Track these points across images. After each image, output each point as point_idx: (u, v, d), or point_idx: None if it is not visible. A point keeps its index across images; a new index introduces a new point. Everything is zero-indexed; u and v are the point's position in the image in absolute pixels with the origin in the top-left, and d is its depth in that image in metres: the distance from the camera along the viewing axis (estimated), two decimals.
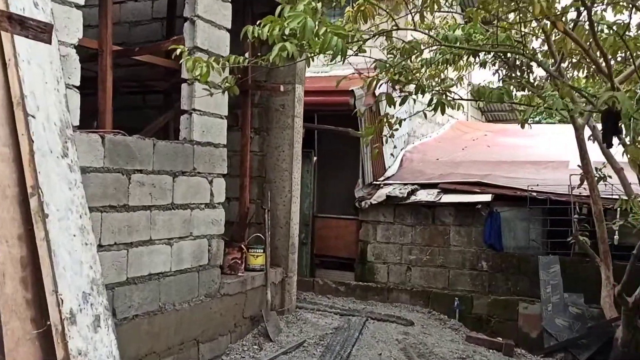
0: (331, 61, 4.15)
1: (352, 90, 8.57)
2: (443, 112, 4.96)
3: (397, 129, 5.67)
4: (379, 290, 8.45)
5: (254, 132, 7.16)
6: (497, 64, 7.41)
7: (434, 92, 4.94)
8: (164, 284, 5.06)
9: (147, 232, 4.89)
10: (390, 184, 9.05)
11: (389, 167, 9.81)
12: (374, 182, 9.19)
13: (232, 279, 6.08)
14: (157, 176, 4.99)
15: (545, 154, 10.04)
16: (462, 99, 5.84)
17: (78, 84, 4.23)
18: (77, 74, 4.22)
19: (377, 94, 9.45)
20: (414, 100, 5.35)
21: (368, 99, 9.02)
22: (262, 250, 6.59)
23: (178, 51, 3.99)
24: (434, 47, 4.62)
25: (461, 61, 6.20)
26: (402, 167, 10.00)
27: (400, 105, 5.08)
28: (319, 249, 9.30)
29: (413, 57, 5.03)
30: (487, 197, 8.07)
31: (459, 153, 10.79)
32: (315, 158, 9.01)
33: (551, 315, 6.99)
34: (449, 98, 5.10)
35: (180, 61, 3.99)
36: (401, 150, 10.54)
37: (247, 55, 4.45)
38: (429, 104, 5.05)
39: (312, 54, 3.91)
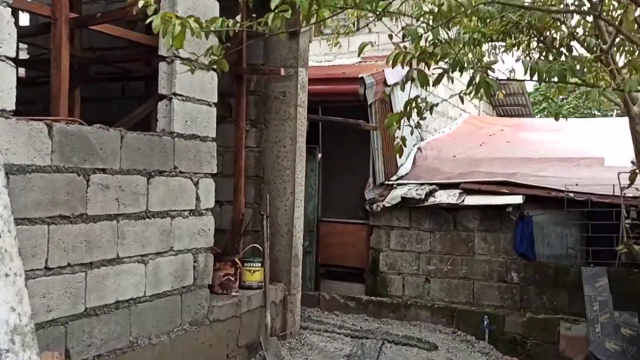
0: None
1: (362, 78, 7.53)
2: (488, 95, 3.94)
3: (424, 118, 4.65)
4: (395, 307, 7.40)
5: (250, 124, 6.11)
6: (531, 45, 6.39)
7: (475, 68, 3.91)
8: (136, 313, 4.02)
9: (113, 248, 3.84)
10: (405, 184, 8.02)
11: (401, 165, 8.77)
12: (386, 182, 8.15)
13: (224, 301, 5.04)
14: (126, 177, 3.94)
15: (576, 150, 9.01)
16: (511, 80, 4.79)
17: (13, 55, 3.18)
18: (11, 42, 3.16)
19: (389, 82, 8.43)
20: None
21: (379, 87, 7.99)
22: (259, 264, 5.55)
23: (140, 3, 2.91)
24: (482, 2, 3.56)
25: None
26: (415, 165, 8.96)
27: (434, 85, 4.05)
28: (324, 257, 8.26)
29: (450, 24, 3.98)
30: (517, 199, 7.03)
31: (477, 149, 9.76)
32: (319, 155, 7.96)
33: (600, 337, 5.95)
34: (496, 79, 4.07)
35: (149, 20, 2.93)
36: (413, 146, 9.51)
37: (238, 19, 3.39)
38: (468, 84, 4.02)
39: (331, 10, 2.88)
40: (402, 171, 8.56)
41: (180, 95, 4.42)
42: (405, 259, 7.67)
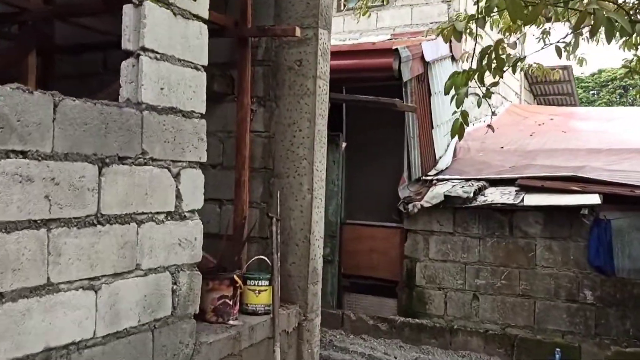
0: None
1: (397, 50, 6.18)
2: (611, 37, 2.59)
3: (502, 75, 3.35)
4: (438, 332, 6.04)
5: (257, 102, 4.81)
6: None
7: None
8: None
9: (40, 271, 2.56)
10: (446, 180, 6.66)
11: (440, 157, 7.41)
12: (424, 178, 6.79)
13: (218, 334, 3.75)
14: (63, 164, 2.66)
15: None
16: None
17: None
18: None
19: (427, 58, 7.07)
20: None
21: (416, 64, 6.63)
22: (267, 282, 4.25)
23: None
24: None
25: None
26: (456, 157, 7.60)
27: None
28: (348, 267, 6.95)
29: None
30: (592, 199, 5.63)
31: (527, 140, 8.35)
32: (344, 144, 6.64)
33: None
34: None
35: None
36: None
37: None
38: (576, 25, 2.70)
39: None
40: (441, 165, 7.20)
41: (153, 51, 3.13)
42: (447, 271, 6.31)
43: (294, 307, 4.57)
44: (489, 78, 3.71)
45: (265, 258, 4.36)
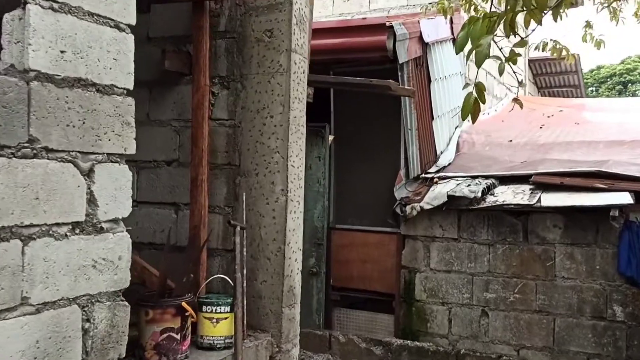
0: None
1: (391, 26, 5.30)
2: None
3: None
4: (441, 357, 5.16)
5: (220, 84, 3.93)
6: None
7: None
8: None
9: None
10: (449, 178, 5.78)
11: (442, 152, 6.54)
12: (424, 176, 5.92)
13: None
14: None
15: None
16: None
17: None
18: None
19: (426, 38, 6.19)
20: None
21: (413, 45, 5.75)
22: (228, 308, 3.36)
23: None
24: None
25: None
26: (460, 152, 6.72)
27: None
28: (338, 278, 6.07)
29: None
30: (622, 198, 4.76)
31: (537, 132, 7.47)
32: (331, 137, 5.76)
33: None
34: None
35: None
36: (455, 128, 7.27)
37: None
38: None
39: None
40: (443, 160, 6.32)
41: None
42: (452, 283, 5.43)
43: (265, 336, 3.68)
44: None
45: (226, 277, 3.48)
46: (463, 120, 2.83)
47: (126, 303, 2.60)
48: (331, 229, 6.12)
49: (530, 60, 12.32)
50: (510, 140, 7.11)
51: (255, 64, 3.81)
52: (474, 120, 2.53)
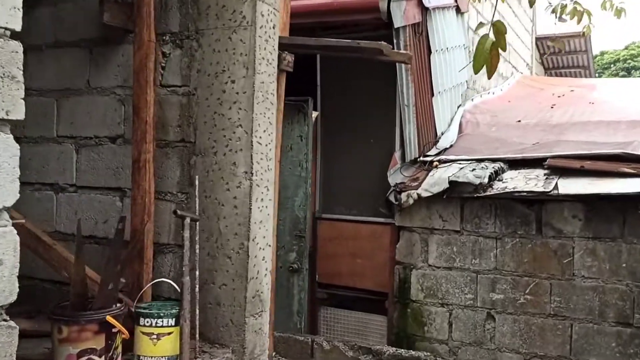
0: None
1: None
2: None
3: None
4: None
5: (171, 42, 3.20)
6: None
7: None
8: None
9: None
10: (451, 161, 5.07)
11: (443, 133, 5.82)
12: (422, 159, 5.20)
13: None
14: None
15: None
16: None
17: None
18: None
19: (427, 2, 5.43)
20: None
21: (411, 8, 5.01)
22: (173, 320, 2.65)
23: None
24: None
25: None
26: (463, 133, 6.00)
27: None
28: (324, 274, 5.38)
29: None
30: None
31: (549, 113, 6.76)
32: (315, 114, 5.04)
33: None
34: None
35: None
36: (458, 108, 6.55)
37: None
38: None
39: None
40: (444, 142, 5.61)
41: None
42: (453, 282, 4.74)
43: (224, 352, 2.98)
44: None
45: (171, 281, 2.77)
46: (476, 73, 2.14)
47: (12, 324, 1.90)
48: (317, 219, 5.43)
49: (537, 39, 11.56)
50: (519, 121, 6.40)
51: (213, 15, 3.08)
52: (490, 74, 1.82)
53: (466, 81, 6.87)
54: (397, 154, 5.07)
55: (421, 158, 5.18)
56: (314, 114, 4.91)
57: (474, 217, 4.68)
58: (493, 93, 8.11)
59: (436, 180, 4.71)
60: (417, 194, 4.73)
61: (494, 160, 4.91)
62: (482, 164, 4.81)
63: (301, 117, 4.53)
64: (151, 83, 3.00)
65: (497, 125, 6.24)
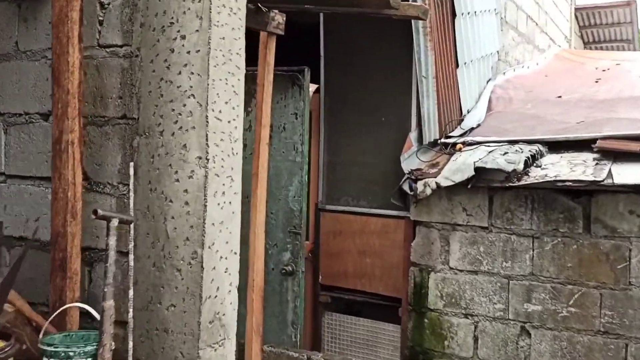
0: None
1: None
2: None
3: None
4: None
5: None
6: None
7: None
8: None
9: None
10: (478, 143, 4.25)
11: (469, 111, 4.98)
12: (444, 141, 4.39)
13: None
14: None
15: None
16: None
17: None
18: None
19: None
20: None
21: None
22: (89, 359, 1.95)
23: None
24: None
25: None
26: (492, 110, 5.15)
27: None
28: (328, 275, 4.65)
29: None
30: None
31: (594, 88, 5.84)
32: (315, 87, 4.27)
33: None
34: None
35: None
36: (487, 82, 5.67)
37: None
38: None
39: None
40: (470, 121, 4.77)
41: None
42: (479, 288, 3.95)
43: None
44: None
45: (87, 307, 2.06)
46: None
47: None
48: (320, 211, 4.68)
49: (577, 9, 10.51)
50: (559, 96, 5.52)
51: None
52: None
53: (497, 52, 5.98)
54: (412, 135, 4.26)
55: (442, 140, 4.37)
56: (313, 88, 4.13)
57: (506, 210, 3.86)
58: (528, 67, 7.19)
59: (459, 166, 3.90)
60: (436, 182, 3.93)
61: (530, 142, 4.07)
62: (516, 147, 3.98)
63: (296, 90, 3.77)
64: (75, 40, 2.28)
65: (534, 102, 5.37)
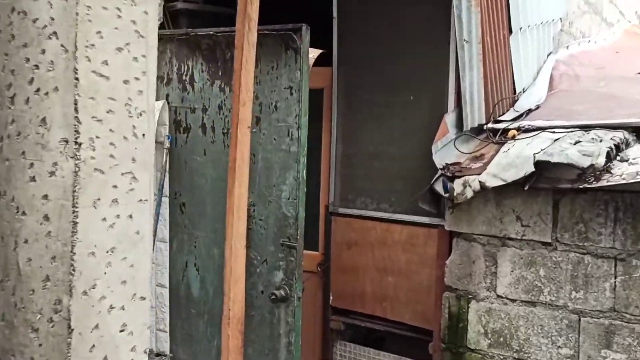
0: None
1: None
2: None
3: None
4: None
5: None
6: None
7: None
8: None
9: None
10: (538, 130, 3.18)
11: (524, 89, 3.89)
12: (491, 126, 3.34)
13: None
14: None
15: None
16: None
17: None
18: None
19: None
20: None
21: None
22: None
23: None
24: None
25: None
26: (554, 90, 4.04)
27: None
28: (341, 295, 3.68)
29: None
30: None
31: None
32: (315, 53, 3.29)
33: None
34: None
35: None
36: (548, 56, 4.55)
37: None
38: None
39: None
40: (526, 101, 3.69)
41: None
42: (538, 325, 2.91)
43: None
44: None
45: None
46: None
47: None
48: (331, 215, 3.71)
49: None
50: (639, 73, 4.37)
51: None
52: None
53: (560, 19, 4.86)
54: (449, 118, 3.23)
55: (489, 125, 3.33)
56: (313, 53, 3.14)
57: (577, 221, 2.80)
58: (595, 42, 6.00)
59: (513, 160, 2.86)
60: (481, 181, 2.91)
61: (610, 128, 3.00)
62: (592, 134, 2.91)
63: (290, 56, 2.81)
64: None
65: (607, 80, 4.24)
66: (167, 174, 3.36)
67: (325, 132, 3.75)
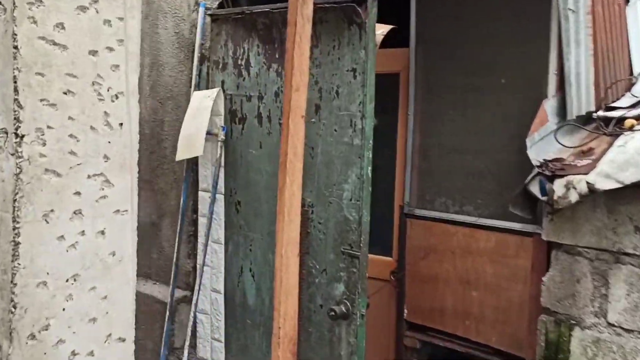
0: None
1: None
2: None
3: None
4: None
5: None
6: None
7: None
8: None
9: None
10: None
11: None
12: (602, 114, 2.74)
13: None
14: None
15: None
16: None
17: None
18: None
19: None
20: None
21: None
22: None
23: None
24: None
25: None
26: None
27: None
28: (417, 310, 3.23)
29: None
30: None
31: None
32: (384, 29, 2.83)
33: None
34: None
35: None
36: None
37: None
38: None
39: None
40: None
41: None
42: None
43: None
44: None
45: None
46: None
47: None
48: (407, 217, 3.25)
49: None
50: None
51: None
52: None
53: None
54: (549, 105, 2.67)
55: (600, 112, 2.73)
56: (382, 30, 2.68)
57: None
58: None
59: (632, 157, 2.28)
60: (589, 182, 2.34)
61: None
62: None
63: (354, 33, 2.37)
64: None
65: None
66: (222, 169, 3.05)
67: (401, 122, 3.30)
